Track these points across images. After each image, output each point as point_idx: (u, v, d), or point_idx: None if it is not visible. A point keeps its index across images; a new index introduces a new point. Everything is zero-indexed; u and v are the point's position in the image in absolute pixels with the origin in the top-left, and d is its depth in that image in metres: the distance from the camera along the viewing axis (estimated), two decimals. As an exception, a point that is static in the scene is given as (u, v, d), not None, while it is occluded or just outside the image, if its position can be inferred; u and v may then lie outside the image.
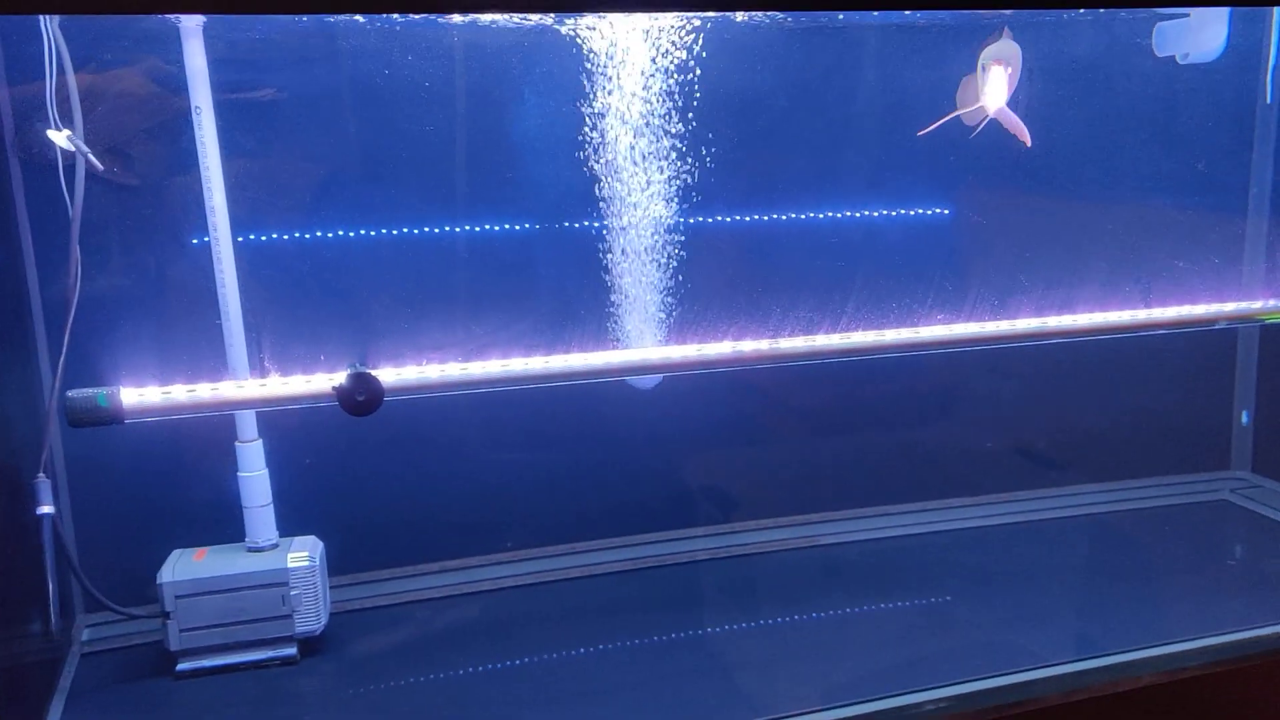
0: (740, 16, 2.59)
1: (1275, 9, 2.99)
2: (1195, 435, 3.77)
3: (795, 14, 2.76)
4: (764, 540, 3.31)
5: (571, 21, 2.56)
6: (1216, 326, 2.86)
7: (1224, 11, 2.80)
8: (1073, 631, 2.73)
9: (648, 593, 3.03)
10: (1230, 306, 2.69)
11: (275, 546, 2.70)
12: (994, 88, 2.56)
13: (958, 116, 2.69)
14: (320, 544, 2.74)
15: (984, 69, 2.57)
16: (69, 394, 2.11)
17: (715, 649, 2.70)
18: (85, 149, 2.28)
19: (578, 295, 2.80)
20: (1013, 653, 2.58)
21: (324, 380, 2.20)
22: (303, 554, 2.66)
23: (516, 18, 2.52)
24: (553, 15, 2.51)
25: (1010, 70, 2.54)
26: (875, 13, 2.91)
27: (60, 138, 2.28)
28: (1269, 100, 3.30)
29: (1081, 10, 2.86)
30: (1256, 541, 3.36)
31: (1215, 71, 2.86)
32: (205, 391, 2.18)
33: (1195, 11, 2.79)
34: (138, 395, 2.13)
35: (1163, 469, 3.74)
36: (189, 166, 2.45)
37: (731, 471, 3.39)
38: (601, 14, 2.29)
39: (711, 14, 2.56)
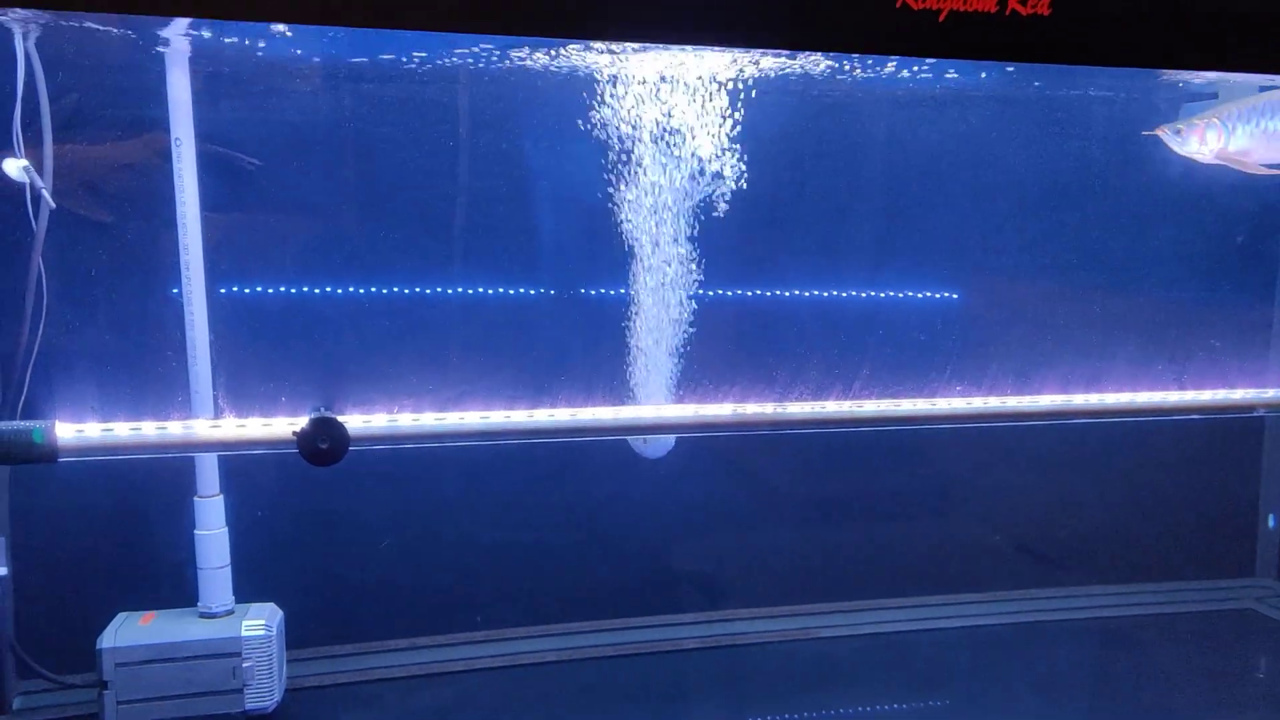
0: (750, 64, 2.49)
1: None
2: (1218, 538, 3.63)
3: (809, 85, 2.69)
4: (756, 631, 3.18)
5: (561, 68, 2.49)
6: (1255, 414, 2.74)
7: (1252, 95, 2.73)
8: (1083, 747, 2.58)
9: (631, 682, 2.89)
10: (1271, 393, 2.56)
11: (230, 613, 2.55)
12: (1179, 150, 2.73)
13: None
14: (279, 612, 2.60)
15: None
16: (-3, 426, 1.96)
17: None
18: (40, 182, 2.17)
19: (568, 350, 2.68)
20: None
21: (284, 424, 2.05)
22: (259, 622, 2.49)
23: (508, 61, 2.44)
24: (542, 63, 2.44)
25: (1195, 131, 2.66)
26: (886, 85, 2.85)
27: (14, 167, 2.16)
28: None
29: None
30: (1284, 655, 3.19)
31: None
32: (150, 430, 2.01)
33: (1223, 91, 2.72)
34: (75, 431, 1.97)
35: (1182, 573, 3.59)
36: (165, 202, 2.34)
37: (724, 556, 3.27)
38: (589, 42, 2.19)
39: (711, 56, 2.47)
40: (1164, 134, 2.72)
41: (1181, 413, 2.57)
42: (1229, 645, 3.24)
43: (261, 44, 2.34)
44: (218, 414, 2.24)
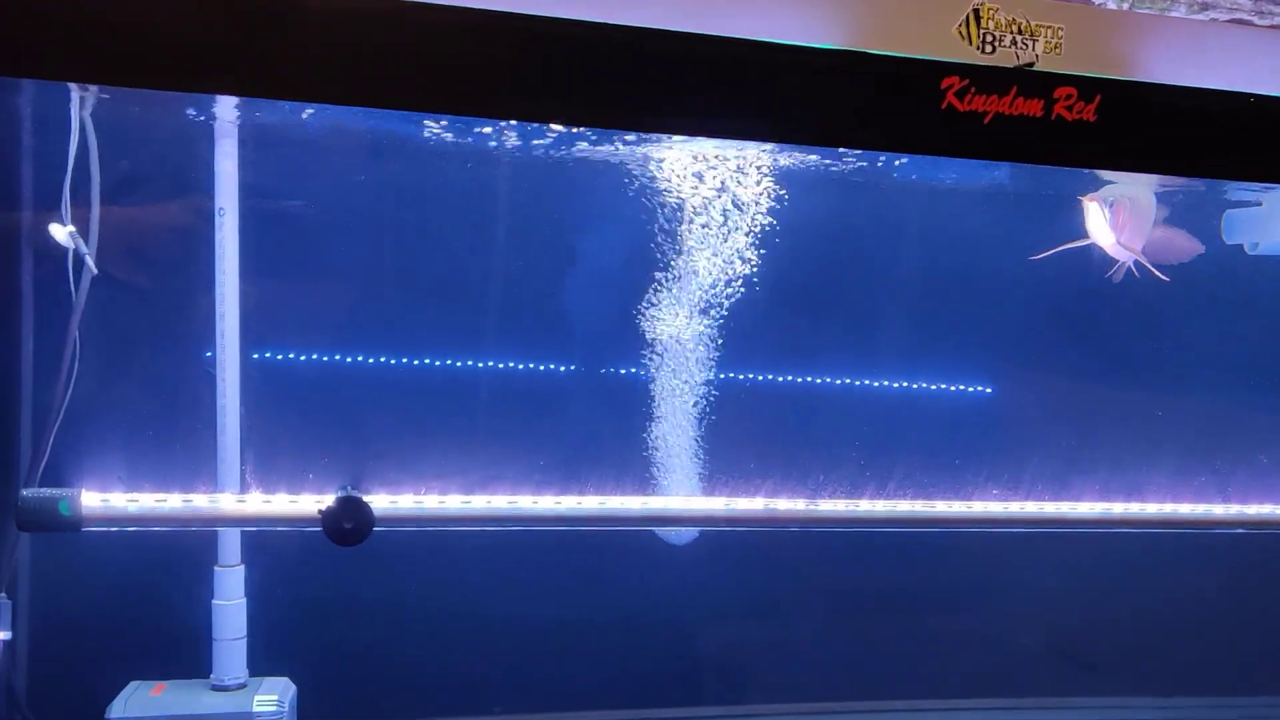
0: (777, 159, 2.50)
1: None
2: (1258, 653, 3.48)
3: (845, 172, 2.69)
4: (778, 726, 3.05)
5: (605, 155, 2.50)
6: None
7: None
8: None
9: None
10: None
11: (243, 686, 2.49)
12: (1093, 224, 2.55)
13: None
14: (292, 687, 2.54)
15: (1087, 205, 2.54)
16: (24, 494, 1.95)
17: None
18: (85, 248, 2.20)
19: (599, 437, 2.65)
20: None
21: (310, 502, 2.03)
22: (271, 697, 2.45)
23: (546, 143, 2.46)
24: (581, 147, 2.45)
25: (1119, 208, 2.50)
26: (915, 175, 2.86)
27: (61, 233, 2.20)
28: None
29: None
30: (1327, 781, 3.05)
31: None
32: (175, 503, 2.00)
33: (1267, 200, 2.69)
34: (101, 500, 1.96)
35: (1219, 688, 3.45)
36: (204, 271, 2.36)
37: (747, 648, 3.19)
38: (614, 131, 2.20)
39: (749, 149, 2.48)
40: (1094, 203, 2.50)
41: (1225, 526, 2.48)
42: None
43: (304, 116, 2.37)
44: (244, 486, 2.22)
